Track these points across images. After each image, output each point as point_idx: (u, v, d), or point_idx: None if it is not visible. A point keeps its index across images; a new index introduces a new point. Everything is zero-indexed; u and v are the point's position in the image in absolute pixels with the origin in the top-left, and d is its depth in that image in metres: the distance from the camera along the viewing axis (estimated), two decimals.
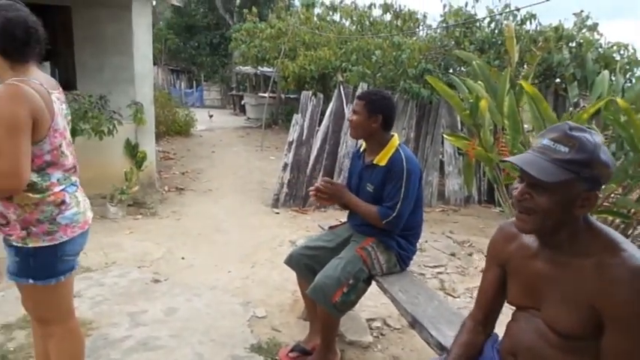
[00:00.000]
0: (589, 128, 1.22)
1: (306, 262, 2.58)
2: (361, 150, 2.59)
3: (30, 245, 1.70)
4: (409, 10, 9.61)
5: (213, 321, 2.94)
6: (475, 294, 3.57)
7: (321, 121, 6.34)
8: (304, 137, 6.10)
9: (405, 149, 2.41)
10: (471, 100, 4.50)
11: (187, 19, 22.98)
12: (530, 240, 1.32)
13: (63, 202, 1.74)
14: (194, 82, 25.68)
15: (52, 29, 6.40)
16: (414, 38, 8.73)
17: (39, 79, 1.67)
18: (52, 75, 6.44)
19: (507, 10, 6.52)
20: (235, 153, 9.92)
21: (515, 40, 4.74)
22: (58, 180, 1.74)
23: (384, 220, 2.32)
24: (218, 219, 5.38)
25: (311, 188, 2.51)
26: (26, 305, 1.87)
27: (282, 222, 5.38)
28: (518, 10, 6.45)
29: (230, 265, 3.96)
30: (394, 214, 2.30)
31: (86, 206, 1.88)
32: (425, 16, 9.79)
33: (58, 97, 1.77)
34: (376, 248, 2.41)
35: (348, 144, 6.09)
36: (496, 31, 6.85)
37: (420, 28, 9.49)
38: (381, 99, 2.40)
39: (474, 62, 4.84)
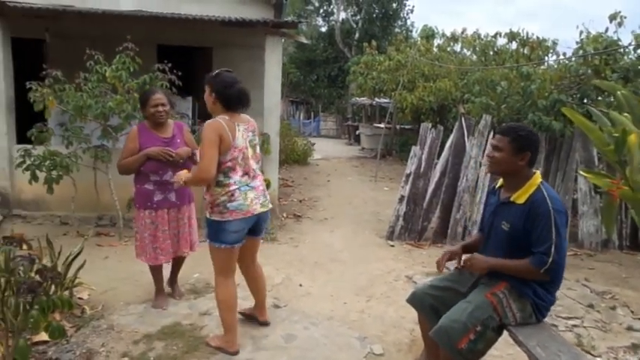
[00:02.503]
0: None
1: (431, 303, 2.48)
2: (497, 186, 2.46)
3: (212, 218, 2.70)
4: (537, 37, 9.08)
5: (331, 353, 2.94)
6: (621, 355, 3.15)
7: (440, 153, 6.18)
8: (422, 169, 5.98)
9: (548, 188, 2.24)
10: (616, 134, 4.06)
11: (308, 53, 24.28)
12: None
13: (232, 195, 2.67)
14: (312, 113, 26.85)
15: (195, 67, 7.19)
16: (543, 67, 8.20)
17: (232, 118, 2.69)
18: (193, 108, 7.22)
19: None
20: (350, 182, 10.06)
21: None
22: (234, 181, 2.69)
23: (542, 268, 2.13)
24: (333, 248, 5.44)
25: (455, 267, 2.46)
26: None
27: (398, 255, 5.27)
28: None
29: (346, 297, 3.96)
30: (550, 260, 2.10)
31: (257, 202, 2.78)
32: (555, 44, 9.17)
33: (245, 127, 2.77)
34: (508, 295, 2.23)
35: (469, 178, 5.83)
36: None
37: (549, 56, 8.89)
38: (529, 135, 2.27)
39: (618, 92, 4.37)
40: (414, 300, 2.56)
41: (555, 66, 7.80)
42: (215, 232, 2.71)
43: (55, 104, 4.84)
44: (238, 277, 3.03)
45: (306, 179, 10.13)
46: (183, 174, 2.85)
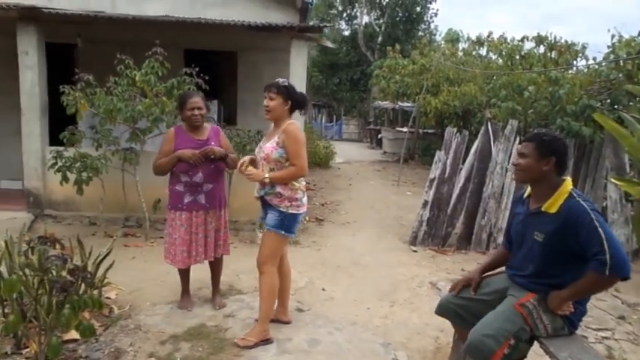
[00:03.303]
0: None
1: (454, 310, 2.46)
2: (525, 195, 2.41)
3: (289, 211, 2.93)
4: (566, 41, 8.90)
5: (355, 359, 2.93)
6: None
7: (464, 158, 6.11)
8: (447, 174, 5.92)
9: (580, 194, 2.17)
10: None
11: (331, 57, 24.30)
12: None
13: (304, 191, 3.02)
14: (334, 117, 26.86)
15: (220, 71, 7.28)
16: (572, 72, 8.04)
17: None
18: (218, 111, 7.30)
19: None
20: (372, 187, 10.02)
21: None
22: (302, 179, 3.01)
23: (605, 269, 1.95)
24: (356, 252, 5.43)
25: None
26: (262, 249, 3.03)
27: (421, 261, 5.23)
28: None
29: (369, 302, 3.94)
30: (608, 256, 1.94)
31: None
32: (585, 48, 8.99)
33: None
34: (538, 306, 2.17)
35: (494, 184, 5.75)
36: None
37: (579, 60, 8.71)
38: (553, 139, 2.22)
39: None
40: (441, 310, 2.53)
41: (585, 71, 7.64)
42: (290, 223, 2.97)
43: (86, 107, 4.96)
44: None
45: (327, 183, 10.13)
46: (257, 172, 2.93)
